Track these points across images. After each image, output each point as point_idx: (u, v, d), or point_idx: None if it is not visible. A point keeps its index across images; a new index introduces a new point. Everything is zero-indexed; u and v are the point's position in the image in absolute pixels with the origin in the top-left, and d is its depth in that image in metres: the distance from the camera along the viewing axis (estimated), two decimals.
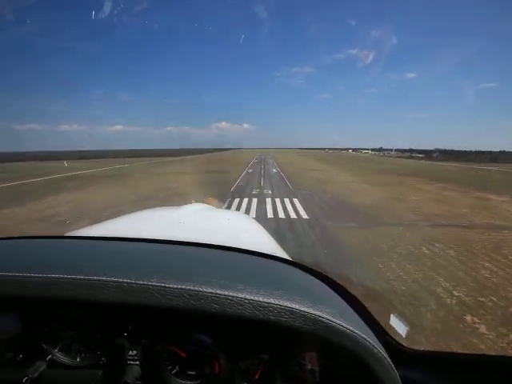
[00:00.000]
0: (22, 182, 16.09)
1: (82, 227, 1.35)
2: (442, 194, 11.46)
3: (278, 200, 9.75)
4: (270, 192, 11.48)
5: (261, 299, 0.52)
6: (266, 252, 0.86)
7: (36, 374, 0.57)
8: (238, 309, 0.52)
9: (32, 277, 0.55)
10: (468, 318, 3.00)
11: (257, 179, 16.38)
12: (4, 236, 0.90)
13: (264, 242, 1.37)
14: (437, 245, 5.29)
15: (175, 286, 0.53)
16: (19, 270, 0.56)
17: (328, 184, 14.11)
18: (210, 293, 0.52)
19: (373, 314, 0.69)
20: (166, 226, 1.36)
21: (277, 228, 6.43)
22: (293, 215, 7.68)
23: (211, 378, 0.62)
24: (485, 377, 0.62)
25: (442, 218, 7.54)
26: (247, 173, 20.32)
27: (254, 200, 9.75)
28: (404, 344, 0.68)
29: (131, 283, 0.53)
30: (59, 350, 0.64)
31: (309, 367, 0.61)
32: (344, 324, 0.52)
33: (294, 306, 0.52)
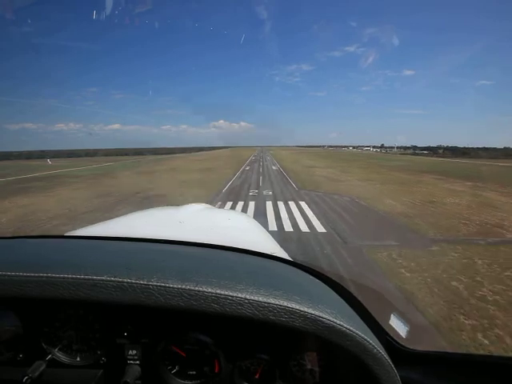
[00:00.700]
0: None
1: (81, 227, 1.35)
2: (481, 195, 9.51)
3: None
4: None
5: (261, 299, 0.52)
6: (266, 252, 0.86)
7: (36, 374, 0.57)
8: (238, 309, 0.51)
9: (32, 276, 0.55)
10: None
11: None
12: (4, 236, 0.90)
13: (264, 242, 1.37)
14: None
15: (175, 286, 0.52)
16: (19, 270, 0.56)
17: (339, 183, 13.65)
18: (210, 293, 0.52)
19: (373, 314, 0.69)
20: (166, 226, 1.36)
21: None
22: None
23: (211, 378, 0.62)
24: (485, 377, 0.62)
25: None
26: (248, 165, 20.86)
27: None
28: (404, 344, 0.68)
29: (131, 283, 0.53)
30: (59, 350, 0.64)
31: (309, 367, 0.61)
32: (344, 324, 0.52)
33: (293, 306, 0.51)
